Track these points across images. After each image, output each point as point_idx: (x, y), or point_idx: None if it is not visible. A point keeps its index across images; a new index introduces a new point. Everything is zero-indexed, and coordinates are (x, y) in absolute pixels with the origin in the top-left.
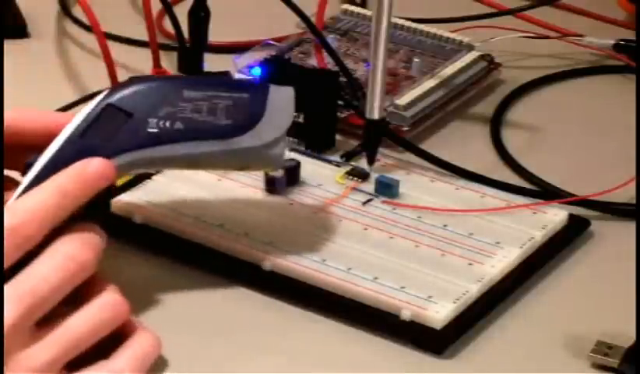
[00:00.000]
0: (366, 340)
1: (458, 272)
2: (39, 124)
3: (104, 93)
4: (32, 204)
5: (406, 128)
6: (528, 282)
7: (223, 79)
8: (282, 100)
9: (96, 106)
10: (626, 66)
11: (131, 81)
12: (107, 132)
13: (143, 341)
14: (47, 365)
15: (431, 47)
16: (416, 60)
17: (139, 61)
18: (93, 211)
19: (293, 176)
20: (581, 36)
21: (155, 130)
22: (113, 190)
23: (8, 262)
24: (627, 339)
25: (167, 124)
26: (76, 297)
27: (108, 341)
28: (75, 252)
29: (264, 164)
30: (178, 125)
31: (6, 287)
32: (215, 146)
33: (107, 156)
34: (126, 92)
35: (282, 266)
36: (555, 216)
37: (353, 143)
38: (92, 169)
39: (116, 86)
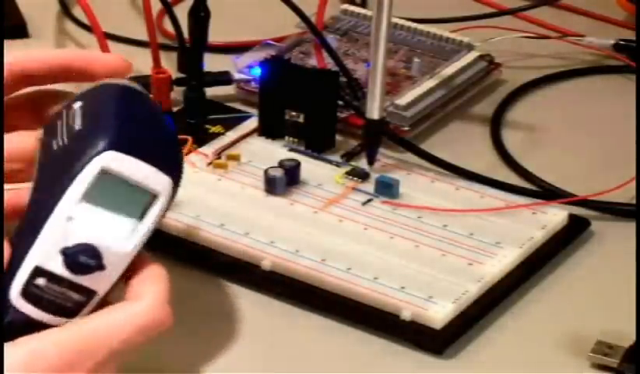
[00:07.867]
0: (366, 340)
1: (458, 272)
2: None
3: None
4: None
5: (406, 128)
6: (528, 282)
7: None
8: None
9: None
10: (626, 66)
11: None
12: None
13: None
14: None
15: (431, 47)
16: (416, 60)
17: (139, 61)
18: None
19: (293, 176)
20: (581, 36)
21: None
22: None
23: None
24: (627, 339)
25: None
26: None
27: None
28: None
29: None
30: None
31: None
32: None
33: None
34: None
35: (282, 265)
36: (555, 216)
37: (353, 143)
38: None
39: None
